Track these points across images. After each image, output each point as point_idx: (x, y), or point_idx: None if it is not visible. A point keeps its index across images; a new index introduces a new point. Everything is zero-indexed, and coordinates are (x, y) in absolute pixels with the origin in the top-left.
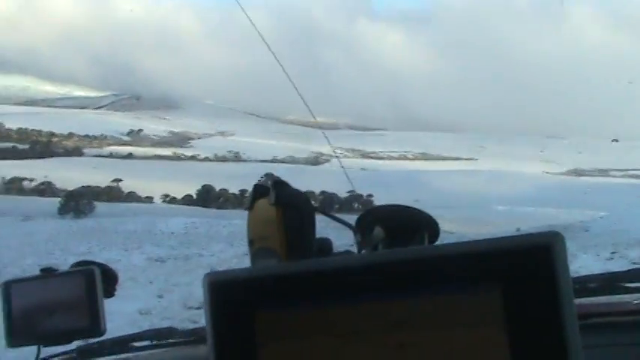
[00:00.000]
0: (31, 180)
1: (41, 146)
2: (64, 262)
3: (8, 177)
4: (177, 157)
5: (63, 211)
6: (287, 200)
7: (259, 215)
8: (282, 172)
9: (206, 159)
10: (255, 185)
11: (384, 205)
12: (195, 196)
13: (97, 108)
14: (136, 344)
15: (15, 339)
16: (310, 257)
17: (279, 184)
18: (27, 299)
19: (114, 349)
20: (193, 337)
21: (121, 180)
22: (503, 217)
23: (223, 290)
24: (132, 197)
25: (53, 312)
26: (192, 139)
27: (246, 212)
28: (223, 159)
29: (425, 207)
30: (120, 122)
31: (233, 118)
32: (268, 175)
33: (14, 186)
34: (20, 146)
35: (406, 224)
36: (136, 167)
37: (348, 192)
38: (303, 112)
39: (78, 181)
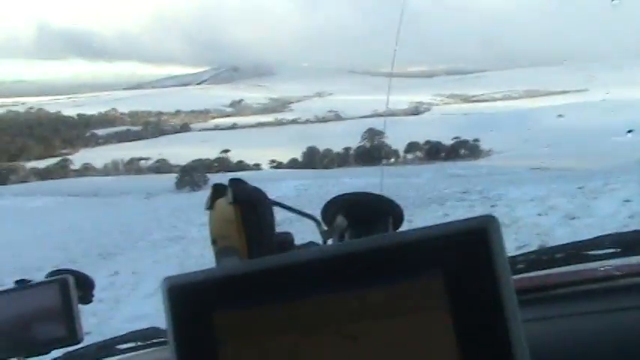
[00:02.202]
0: (147, 159)
1: (152, 126)
2: (187, 233)
3: (127, 158)
4: (279, 123)
5: (180, 185)
6: (244, 198)
7: (219, 214)
8: (382, 125)
9: (307, 121)
10: (213, 185)
11: (346, 194)
12: (300, 159)
13: (198, 84)
14: (121, 347)
15: None
16: (271, 253)
17: (236, 182)
18: (3, 312)
19: (100, 354)
20: None
21: (228, 150)
22: (622, 148)
23: (182, 293)
24: (241, 166)
25: (30, 323)
26: (292, 102)
27: (353, 170)
28: (324, 119)
29: (536, 146)
30: (221, 95)
31: (329, 77)
32: (370, 131)
33: (132, 166)
34: (134, 128)
35: (369, 211)
36: (241, 137)
37: (454, 139)
38: (397, 64)
39: (189, 155)
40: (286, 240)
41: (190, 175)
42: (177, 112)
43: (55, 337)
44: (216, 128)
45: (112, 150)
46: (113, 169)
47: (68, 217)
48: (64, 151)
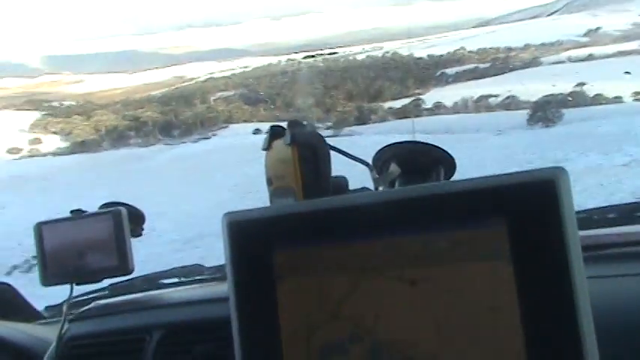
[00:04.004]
0: (496, 96)
1: (500, 62)
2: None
3: (475, 96)
4: None
5: (532, 121)
6: (302, 140)
7: (276, 155)
8: None
9: None
10: (271, 126)
11: (401, 142)
12: None
13: (549, 15)
14: (165, 281)
15: (49, 278)
16: (326, 195)
17: (295, 125)
18: (58, 240)
19: (143, 286)
20: (219, 273)
21: (584, 84)
22: None
23: (242, 230)
24: (598, 100)
25: (83, 252)
26: None
27: None
28: None
29: None
30: (575, 24)
31: None
32: None
33: (482, 104)
34: (481, 66)
35: (422, 160)
36: (597, 68)
37: None
38: None
39: (540, 91)
40: (341, 183)
41: (543, 111)
42: (527, 46)
43: (107, 266)
44: (570, 60)
45: (461, 88)
46: (463, 106)
47: None
48: (416, 91)
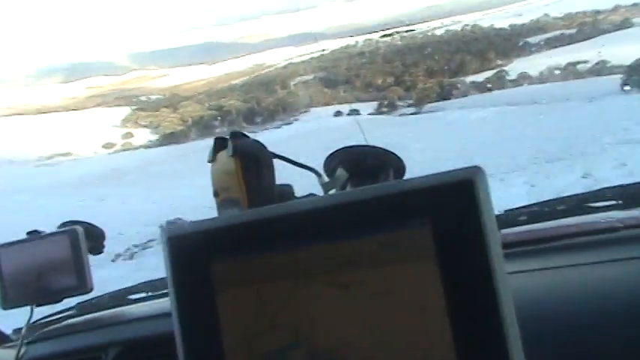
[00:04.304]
0: (585, 62)
1: (588, 27)
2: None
3: (562, 63)
4: None
5: (626, 86)
6: (244, 150)
7: (221, 167)
8: None
9: None
10: (215, 138)
11: (349, 146)
12: None
13: None
14: (132, 297)
15: (9, 301)
16: (271, 204)
17: (236, 136)
18: (16, 262)
19: (110, 303)
20: None
21: None
22: None
23: (181, 243)
24: None
25: (42, 273)
26: None
27: None
28: None
29: None
30: None
31: None
32: None
33: (570, 71)
34: (567, 32)
35: (370, 163)
36: None
37: None
38: None
39: (634, 53)
40: (286, 191)
41: (638, 75)
42: (616, 8)
43: (66, 286)
44: None
45: (547, 57)
46: (549, 75)
47: (510, 125)
48: (499, 63)
